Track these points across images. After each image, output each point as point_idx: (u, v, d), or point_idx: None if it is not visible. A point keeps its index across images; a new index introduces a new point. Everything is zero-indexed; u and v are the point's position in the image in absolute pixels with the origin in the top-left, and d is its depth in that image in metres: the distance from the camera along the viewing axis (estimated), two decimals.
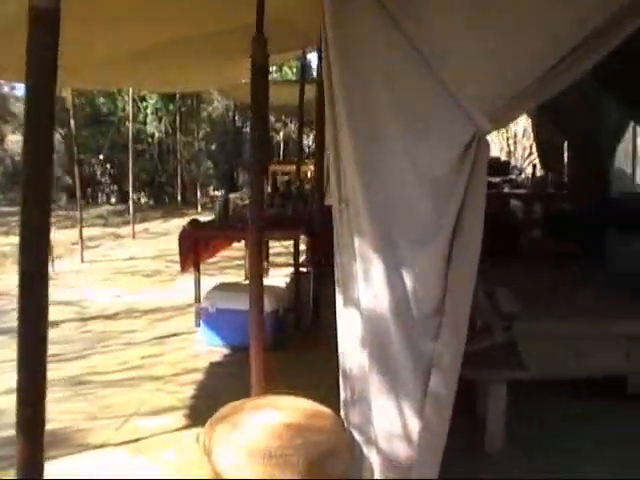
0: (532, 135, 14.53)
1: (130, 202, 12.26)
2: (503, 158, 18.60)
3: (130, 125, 12.21)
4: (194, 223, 6.75)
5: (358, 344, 3.19)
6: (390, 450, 3.17)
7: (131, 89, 12.19)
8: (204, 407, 4.42)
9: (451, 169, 3.02)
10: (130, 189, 12.33)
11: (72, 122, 10.12)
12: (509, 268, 7.00)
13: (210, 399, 4.78)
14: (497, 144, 21.01)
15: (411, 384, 3.14)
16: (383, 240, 3.06)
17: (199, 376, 5.56)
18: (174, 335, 6.58)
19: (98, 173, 17.96)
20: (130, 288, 8.57)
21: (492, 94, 2.97)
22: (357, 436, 3.25)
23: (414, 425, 3.14)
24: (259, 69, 3.90)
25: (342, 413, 3.29)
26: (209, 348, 6.11)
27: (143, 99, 15.74)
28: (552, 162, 14.34)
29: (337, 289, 3.26)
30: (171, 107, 15.35)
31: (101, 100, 16.04)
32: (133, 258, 10.43)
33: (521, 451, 4.21)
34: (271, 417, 3.10)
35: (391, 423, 3.16)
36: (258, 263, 4.02)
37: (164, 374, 5.60)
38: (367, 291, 3.12)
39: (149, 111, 15.89)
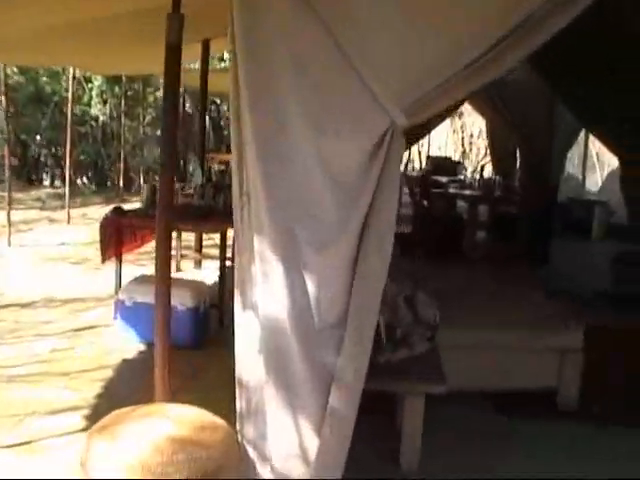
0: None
1: (67, 186, 11.81)
2: (457, 158, 18.59)
3: (69, 105, 11.72)
4: (117, 211, 6.40)
5: (255, 353, 2.92)
6: (285, 469, 2.93)
7: (77, 70, 11.76)
8: (106, 408, 4.09)
9: (361, 165, 2.75)
10: (67, 172, 11.88)
11: (3, 99, 9.69)
12: (446, 270, 6.77)
13: (114, 399, 4.51)
14: (452, 144, 20.93)
15: (310, 399, 2.88)
16: (284, 240, 2.79)
17: (109, 373, 5.25)
18: (91, 328, 6.24)
19: (42, 154, 17.44)
20: (53, 275, 8.18)
21: (408, 87, 2.71)
22: (251, 452, 2.99)
23: (311, 444, 2.88)
24: (172, 49, 3.58)
25: (237, 426, 3.01)
26: (124, 344, 5.78)
27: (89, 80, 15.27)
28: (504, 165, 14.29)
29: (235, 293, 2.97)
30: (117, 90, 14.91)
31: (45, 79, 15.50)
32: (64, 244, 10.01)
33: (438, 468, 3.97)
34: (155, 429, 2.82)
35: (287, 440, 2.91)
36: (165, 256, 3.71)
37: (72, 370, 5.28)
38: (266, 296, 2.85)
39: (94, 93, 15.41)
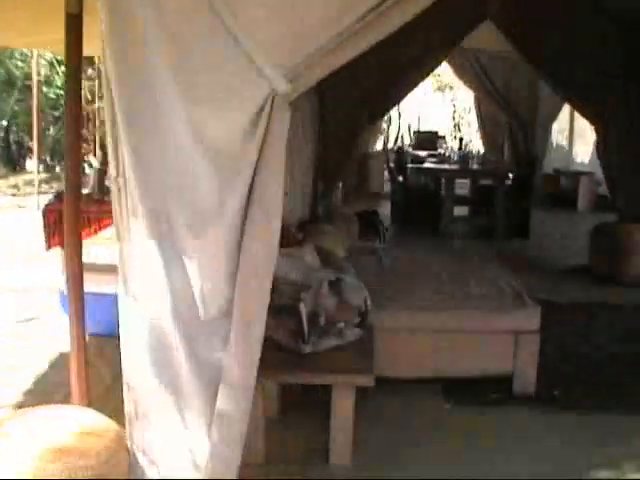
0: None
1: (35, 171, 11.53)
2: (451, 133, 18.24)
3: (34, 89, 11.44)
4: (61, 196, 6.10)
5: (140, 350, 2.63)
6: (174, 476, 2.64)
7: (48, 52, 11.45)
8: (30, 405, 3.84)
9: (239, 138, 2.45)
10: (35, 158, 11.61)
11: None
12: (412, 247, 6.49)
13: (42, 396, 4.24)
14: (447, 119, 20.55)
15: (197, 400, 2.60)
16: (160, 225, 2.51)
17: (43, 368, 4.96)
18: (35, 319, 5.95)
19: (25, 140, 17.15)
20: (7, 264, 7.90)
21: (287, 50, 2.41)
22: (140, 458, 2.70)
23: (201, 448, 2.60)
24: (72, 20, 3.26)
25: (127, 431, 2.73)
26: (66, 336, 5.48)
27: (62, 63, 14.91)
28: (491, 138, 14.00)
29: (119, 284, 2.68)
30: (90, 72, 14.55)
31: (16, 62, 15.16)
32: (28, 231, 9.72)
33: (371, 463, 3.69)
34: (40, 434, 2.60)
35: (175, 445, 2.64)
36: (75, 240, 3.40)
37: (10, 363, 5.03)
38: (145, 288, 2.57)
39: None
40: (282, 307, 3.70)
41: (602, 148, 7.54)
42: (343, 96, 7.43)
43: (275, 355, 3.65)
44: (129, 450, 2.71)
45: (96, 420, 2.79)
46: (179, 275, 2.52)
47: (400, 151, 10.27)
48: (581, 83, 7.37)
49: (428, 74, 7.82)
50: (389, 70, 7.36)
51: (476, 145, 14.18)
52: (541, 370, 4.58)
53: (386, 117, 14.56)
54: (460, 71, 12.37)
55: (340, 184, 7.23)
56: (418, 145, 13.73)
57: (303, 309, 3.48)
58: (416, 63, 7.39)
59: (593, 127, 7.71)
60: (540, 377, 4.59)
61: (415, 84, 7.86)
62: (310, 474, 3.54)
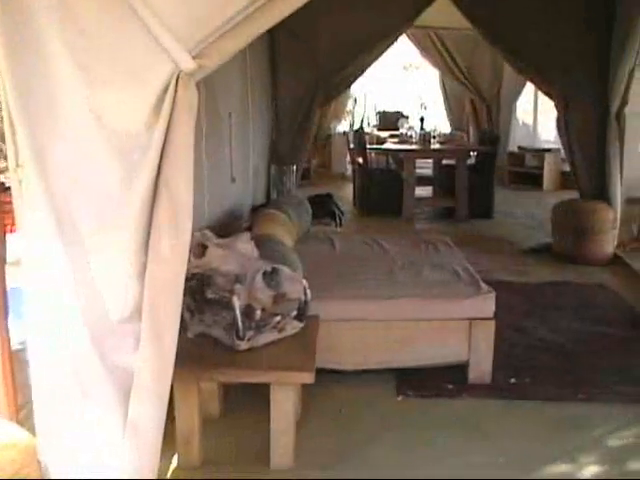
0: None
1: None
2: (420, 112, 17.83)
3: None
4: None
5: (46, 354, 2.41)
6: None
7: None
8: None
9: (142, 121, 2.23)
10: None
11: None
12: (366, 232, 6.26)
13: None
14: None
15: (108, 408, 2.39)
16: (61, 219, 2.28)
17: None
18: None
19: None
20: None
21: (191, 24, 2.18)
22: (52, 472, 2.49)
23: (114, 459, 2.39)
24: None
25: (38, 443, 2.51)
26: None
27: None
28: (456, 117, 13.84)
29: (23, 284, 2.45)
30: None
31: None
32: None
33: (315, 463, 3.49)
34: None
35: (87, 456, 2.42)
36: None
37: None
38: (50, 288, 2.34)
39: None
40: (216, 300, 3.49)
41: (563, 125, 7.36)
42: (297, 76, 7.21)
43: (210, 352, 3.44)
44: (40, 462, 2.50)
45: (7, 431, 2.57)
46: (83, 274, 2.30)
47: (360, 132, 10.01)
48: (540, 60, 7.20)
49: (384, 52, 7.56)
50: (344, 48, 7.14)
51: (442, 124, 13.97)
52: (498, 357, 4.39)
53: (352, 98, 14.34)
54: (424, 50, 12.19)
55: (294, 167, 6.99)
56: (382, 125, 13.51)
57: (236, 302, 3.26)
58: (372, 40, 7.17)
59: (554, 103, 7.50)
60: (497, 365, 4.40)
61: (371, 62, 7.63)
62: (248, 477, 3.32)
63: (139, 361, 2.32)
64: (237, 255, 3.49)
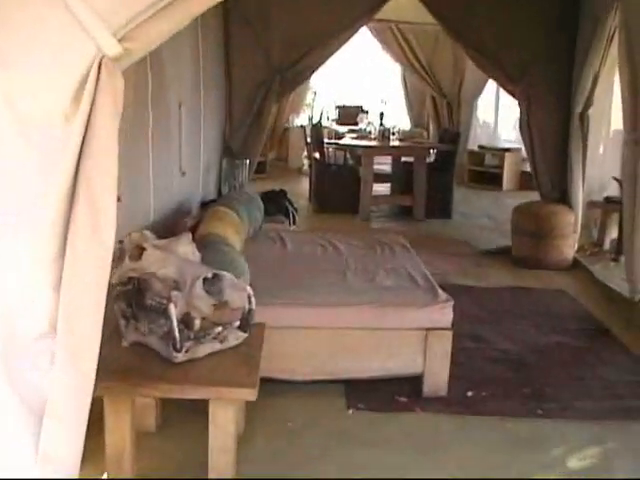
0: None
1: None
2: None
3: None
4: None
5: None
6: None
7: None
8: None
9: (60, 110, 1.94)
10: None
11: None
12: (320, 231, 6.01)
13: None
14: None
15: (17, 437, 2.09)
16: None
17: None
18: None
19: None
20: None
21: (115, 5, 1.90)
22: None
23: None
24: None
25: None
26: None
27: None
28: (417, 113, 13.66)
29: None
30: None
31: None
32: None
33: None
34: None
35: None
36: None
37: None
38: None
39: None
40: (153, 307, 3.21)
41: (525, 125, 7.18)
42: (251, 68, 6.94)
43: (144, 364, 3.16)
44: None
45: None
46: None
47: (318, 126, 9.75)
48: (503, 57, 7.03)
49: (343, 44, 7.31)
50: (301, 39, 6.88)
51: (403, 120, 13.78)
52: (454, 368, 4.19)
53: (312, 91, 14.09)
54: (386, 44, 11.98)
55: (247, 161, 6.71)
56: (342, 120, 13.26)
57: (173, 311, 2.99)
58: (330, 32, 6.91)
59: (517, 102, 7.32)
60: (453, 376, 4.19)
61: (329, 55, 7.37)
62: None
63: (53, 382, 2.05)
64: (176, 258, 3.21)
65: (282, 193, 6.66)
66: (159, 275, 3.18)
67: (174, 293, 3.05)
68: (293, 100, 12.89)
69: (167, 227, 4.76)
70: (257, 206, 5.63)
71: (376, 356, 4.10)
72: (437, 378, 4.11)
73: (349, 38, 7.40)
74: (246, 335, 3.29)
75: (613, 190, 7.33)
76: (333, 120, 13.85)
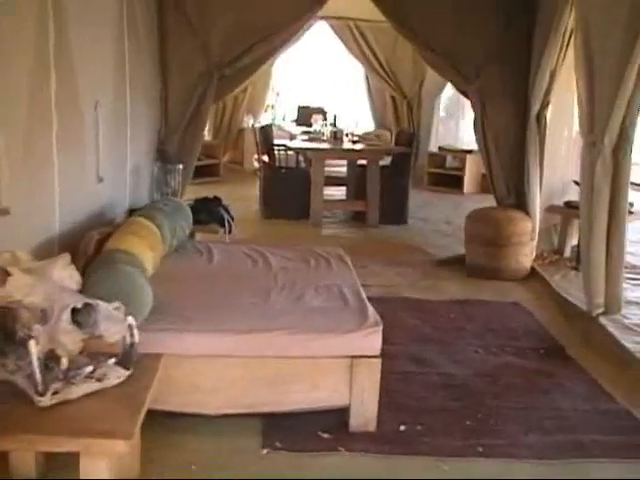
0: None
1: None
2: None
3: None
4: None
5: None
6: None
7: None
8: None
9: None
10: None
11: None
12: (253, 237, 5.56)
13: None
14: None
15: None
16: None
17: None
18: None
19: None
20: None
21: None
22: None
23: None
24: None
25: None
26: None
27: None
28: (379, 114, 13.23)
29: None
30: None
31: None
32: None
33: None
34: None
35: None
36: None
37: None
38: None
39: None
40: (22, 341, 2.75)
41: (480, 126, 6.78)
42: (188, 66, 6.45)
43: (10, 408, 2.69)
44: None
45: None
46: None
47: (267, 127, 9.30)
48: (456, 55, 6.62)
49: (287, 41, 6.87)
50: (241, 35, 6.41)
51: (367, 122, 13.39)
52: (388, 396, 3.76)
53: (274, 91, 13.65)
54: (346, 43, 11.59)
55: (181, 167, 6.23)
56: (302, 121, 12.79)
57: (33, 348, 2.53)
58: (272, 28, 6.44)
59: (470, 103, 6.92)
60: (386, 405, 3.76)
61: (273, 52, 6.92)
62: None
63: None
64: (47, 284, 2.75)
65: (217, 200, 6.18)
66: (26, 304, 2.72)
67: (36, 327, 2.59)
68: (249, 100, 12.42)
69: (76, 240, 4.30)
70: (184, 215, 5.16)
71: (297, 387, 3.64)
72: (365, 411, 3.67)
73: (295, 34, 6.97)
74: (129, 372, 2.82)
75: (575, 194, 6.91)
76: (293, 121, 13.40)
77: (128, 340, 2.79)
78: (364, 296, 4.16)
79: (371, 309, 3.91)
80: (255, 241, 6.06)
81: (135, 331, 2.80)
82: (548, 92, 6.43)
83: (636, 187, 10.73)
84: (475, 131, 6.90)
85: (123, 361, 2.81)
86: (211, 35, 6.41)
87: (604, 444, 3.70)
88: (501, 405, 4.08)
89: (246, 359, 3.60)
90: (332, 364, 3.63)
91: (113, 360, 2.79)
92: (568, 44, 6.12)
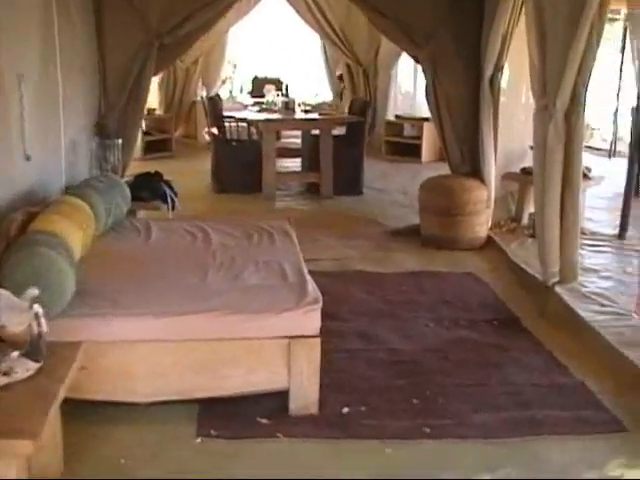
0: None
1: None
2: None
3: None
4: None
5: None
6: None
7: None
8: None
9: None
10: None
11: None
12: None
13: None
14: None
15: None
16: None
17: None
18: None
19: None
20: None
21: None
22: None
23: None
24: None
25: None
26: None
27: None
28: (337, 83, 12.99)
29: None
30: None
31: None
32: None
33: None
34: None
35: None
36: None
37: None
38: None
39: None
40: None
41: (432, 92, 6.56)
42: (126, 36, 6.16)
43: None
44: None
45: None
46: None
47: (215, 99, 9.02)
48: (405, 18, 6.39)
49: (230, 6, 6.59)
50: (180, 6, 6.13)
51: (324, 92, 13.16)
52: (332, 376, 3.58)
53: (233, 64, 13.34)
54: (300, 12, 11.29)
55: (120, 142, 5.95)
56: (257, 92, 12.49)
57: None
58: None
59: (421, 68, 6.71)
60: (330, 386, 3.58)
61: (215, 19, 6.64)
62: None
63: None
64: None
65: (158, 176, 5.93)
66: None
67: None
68: (202, 71, 12.09)
69: None
70: (120, 192, 4.92)
71: (233, 371, 3.44)
72: (305, 393, 3.48)
73: (230, 7, 6.68)
74: (39, 365, 2.60)
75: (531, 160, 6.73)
76: (248, 93, 13.12)
77: (35, 330, 2.56)
78: (305, 271, 3.97)
79: (311, 285, 3.71)
80: (201, 217, 5.84)
81: (42, 320, 2.57)
82: (501, 56, 6.23)
83: (595, 151, 10.67)
84: (427, 98, 6.69)
85: (31, 353, 2.58)
86: (149, 3, 6.12)
87: (559, 419, 3.55)
88: (451, 382, 3.91)
89: (178, 343, 3.40)
90: (269, 345, 3.43)
91: (17, 353, 2.55)
92: (521, 7, 5.91)
